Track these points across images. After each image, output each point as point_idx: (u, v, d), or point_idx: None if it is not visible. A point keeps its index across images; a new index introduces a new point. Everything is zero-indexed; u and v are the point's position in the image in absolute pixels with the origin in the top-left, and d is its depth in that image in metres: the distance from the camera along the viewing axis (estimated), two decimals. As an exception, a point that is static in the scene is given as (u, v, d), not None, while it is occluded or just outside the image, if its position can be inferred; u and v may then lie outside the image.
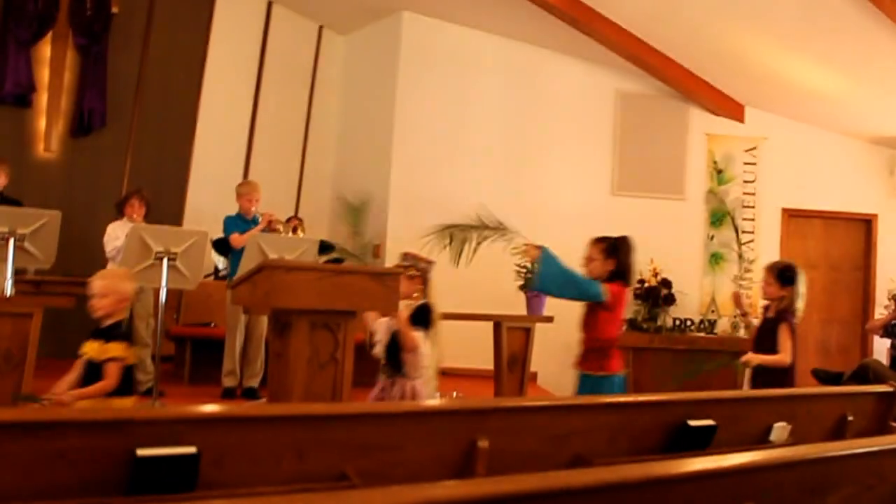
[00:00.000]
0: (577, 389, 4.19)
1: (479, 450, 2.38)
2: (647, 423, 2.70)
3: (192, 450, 2.00)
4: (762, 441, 2.92)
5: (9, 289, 4.68)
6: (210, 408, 2.25)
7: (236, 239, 6.17)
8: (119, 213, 6.25)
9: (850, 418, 3.17)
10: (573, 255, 8.05)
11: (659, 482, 1.60)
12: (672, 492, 1.61)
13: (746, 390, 4.31)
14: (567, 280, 4.11)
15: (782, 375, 4.27)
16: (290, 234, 6.26)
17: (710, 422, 2.76)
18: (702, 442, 2.74)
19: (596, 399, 2.83)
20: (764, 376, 4.36)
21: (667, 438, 2.73)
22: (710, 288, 9.31)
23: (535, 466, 2.50)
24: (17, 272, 4.89)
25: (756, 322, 4.85)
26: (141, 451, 1.95)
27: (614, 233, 9.84)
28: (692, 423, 2.72)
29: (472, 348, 7.19)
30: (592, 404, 2.69)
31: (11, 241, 4.69)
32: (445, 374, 7.96)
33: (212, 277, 8.04)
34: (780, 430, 2.92)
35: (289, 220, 7.37)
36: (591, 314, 4.19)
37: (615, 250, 4.25)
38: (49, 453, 1.88)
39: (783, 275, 4.56)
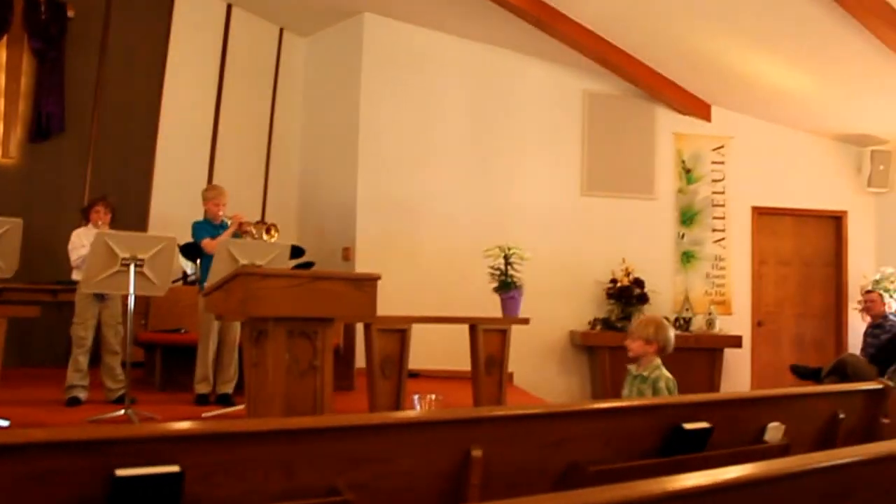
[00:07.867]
0: None
1: (473, 459, 2.31)
2: (643, 428, 2.65)
3: (174, 468, 1.90)
4: (757, 441, 2.90)
5: (-30, 300, 4.53)
6: (193, 424, 2.14)
7: (209, 244, 6.03)
8: (84, 219, 6.07)
9: (842, 416, 3.15)
10: (544, 256, 8.11)
11: (673, 497, 1.53)
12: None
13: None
14: None
15: None
16: (264, 234, 6.12)
17: (704, 424, 2.72)
18: (697, 445, 2.70)
19: (590, 405, 2.77)
20: None
21: (662, 442, 2.68)
22: (682, 286, 9.34)
23: (531, 474, 2.43)
24: (-23, 282, 4.71)
25: None
26: (120, 472, 1.84)
27: (585, 235, 9.81)
28: (687, 426, 2.67)
29: (449, 350, 7.13)
30: (587, 410, 2.63)
31: (-29, 251, 4.53)
32: (423, 376, 7.95)
33: (180, 283, 7.88)
34: (774, 430, 2.90)
35: (258, 221, 7.22)
36: None
37: None
38: (22, 476, 1.76)
39: None
